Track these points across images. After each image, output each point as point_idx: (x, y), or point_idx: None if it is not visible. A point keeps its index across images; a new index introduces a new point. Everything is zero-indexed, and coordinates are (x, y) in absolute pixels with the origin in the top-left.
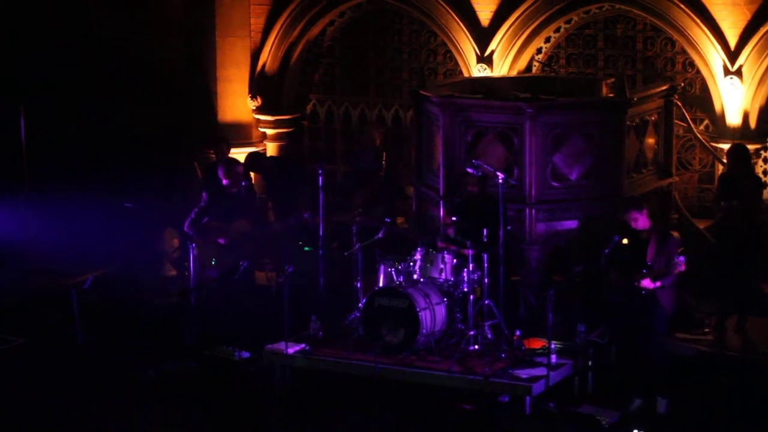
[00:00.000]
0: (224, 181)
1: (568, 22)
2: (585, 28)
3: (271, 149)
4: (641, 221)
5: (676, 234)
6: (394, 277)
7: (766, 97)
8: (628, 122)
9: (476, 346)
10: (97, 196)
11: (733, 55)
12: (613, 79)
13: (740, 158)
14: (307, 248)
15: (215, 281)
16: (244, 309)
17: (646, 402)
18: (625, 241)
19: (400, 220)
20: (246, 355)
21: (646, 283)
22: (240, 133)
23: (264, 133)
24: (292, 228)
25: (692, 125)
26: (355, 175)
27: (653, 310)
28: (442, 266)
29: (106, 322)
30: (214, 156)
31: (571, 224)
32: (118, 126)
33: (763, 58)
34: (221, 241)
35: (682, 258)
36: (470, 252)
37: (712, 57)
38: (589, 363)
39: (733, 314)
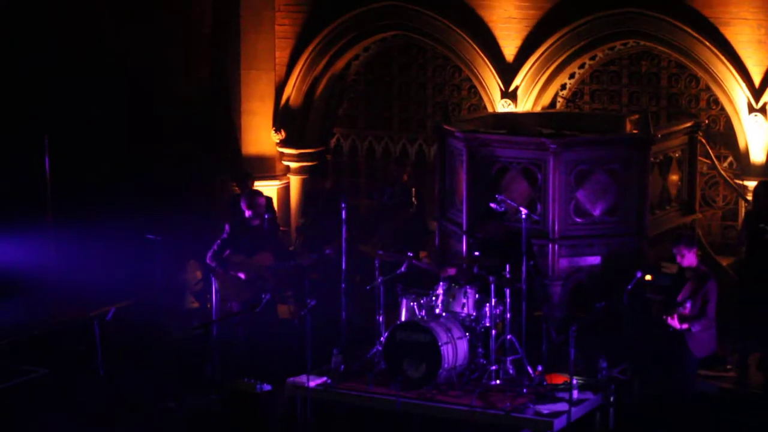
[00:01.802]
0: (247, 213)
1: (592, 58)
2: (610, 65)
3: (294, 183)
4: (688, 258)
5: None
6: (417, 312)
7: None
8: (651, 159)
9: (498, 381)
10: (120, 228)
11: (757, 93)
12: (637, 116)
13: (765, 193)
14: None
15: (237, 315)
16: (266, 342)
17: None
18: (648, 277)
19: (423, 254)
20: (268, 388)
21: (674, 323)
22: (263, 167)
23: (287, 166)
24: (314, 263)
25: (716, 162)
26: (379, 209)
27: (682, 353)
28: (464, 301)
29: (128, 353)
30: (237, 189)
31: (594, 260)
32: (142, 157)
33: None
34: (242, 275)
35: (689, 303)
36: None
37: (736, 94)
38: (611, 399)
39: (756, 351)
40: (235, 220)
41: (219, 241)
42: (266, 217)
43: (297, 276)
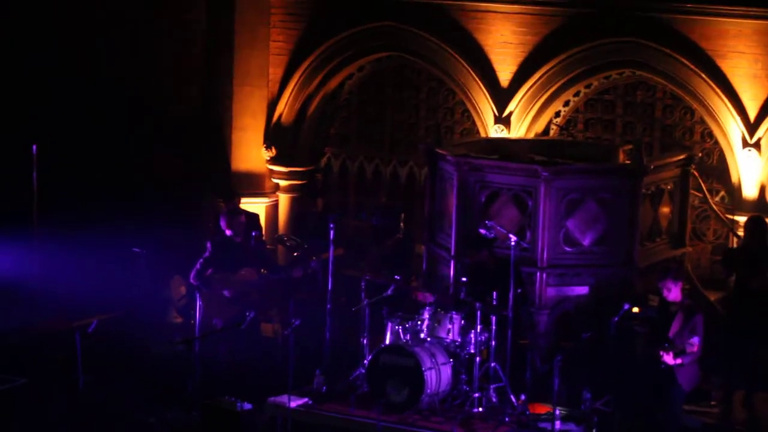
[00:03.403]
0: (227, 232)
1: (587, 86)
2: (604, 94)
3: (283, 201)
4: (674, 293)
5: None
6: (401, 336)
7: None
8: (643, 190)
9: (480, 409)
10: (106, 240)
11: (752, 127)
12: (630, 146)
13: (758, 231)
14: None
15: (221, 331)
16: (249, 360)
17: None
18: (635, 309)
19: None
20: (248, 406)
21: (668, 358)
22: (253, 183)
23: (277, 184)
24: (298, 277)
25: (708, 196)
26: (369, 231)
27: (671, 387)
28: (449, 326)
29: (109, 366)
30: (223, 205)
31: (582, 290)
32: (129, 170)
33: None
34: (227, 294)
35: (696, 339)
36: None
37: (731, 128)
38: (594, 431)
39: (741, 389)
40: (216, 238)
41: (201, 260)
42: (253, 234)
43: (284, 292)
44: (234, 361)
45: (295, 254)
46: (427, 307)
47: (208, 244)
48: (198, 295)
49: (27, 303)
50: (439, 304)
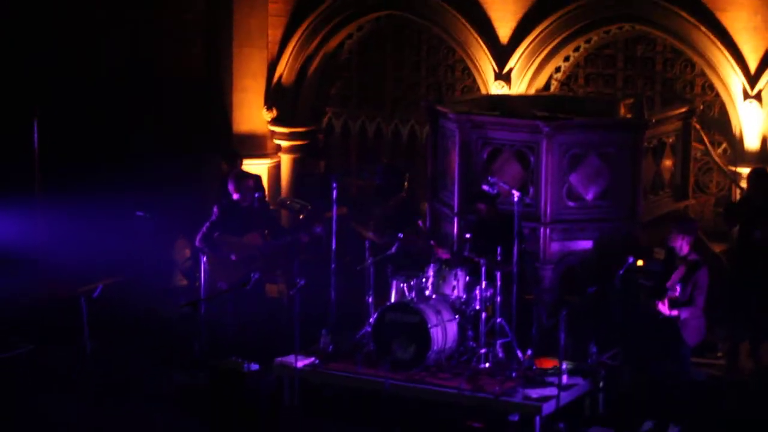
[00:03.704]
0: (234, 196)
1: (587, 41)
2: (604, 48)
3: (285, 162)
4: (678, 243)
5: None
6: (406, 293)
7: None
8: (645, 144)
9: (487, 364)
10: (110, 205)
11: (753, 79)
12: (631, 100)
13: (760, 183)
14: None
15: (226, 293)
16: (255, 321)
17: (658, 426)
18: (639, 262)
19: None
20: (255, 367)
21: (663, 308)
22: (254, 144)
23: (278, 145)
24: (303, 242)
25: (710, 148)
26: (373, 190)
27: (675, 341)
28: (454, 283)
29: (115, 331)
30: (226, 167)
31: (586, 244)
32: (132, 134)
33: None
34: (233, 257)
35: (678, 286)
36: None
37: (731, 80)
38: (601, 384)
39: (747, 339)
40: (223, 201)
41: (208, 224)
42: (256, 195)
43: (288, 254)
44: (240, 322)
45: (301, 217)
46: (432, 264)
47: (215, 208)
48: (202, 257)
49: (31, 270)
50: (444, 260)
